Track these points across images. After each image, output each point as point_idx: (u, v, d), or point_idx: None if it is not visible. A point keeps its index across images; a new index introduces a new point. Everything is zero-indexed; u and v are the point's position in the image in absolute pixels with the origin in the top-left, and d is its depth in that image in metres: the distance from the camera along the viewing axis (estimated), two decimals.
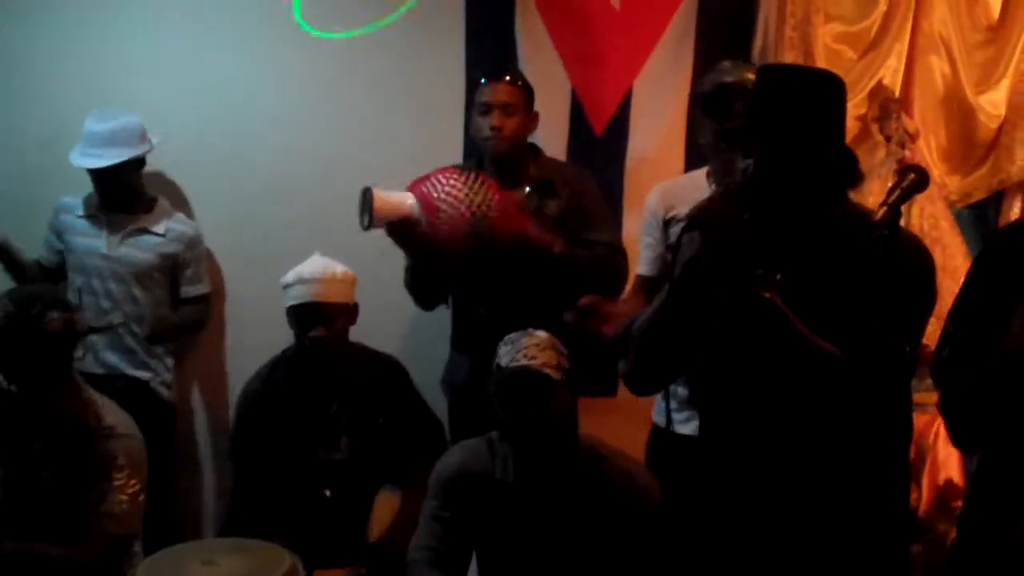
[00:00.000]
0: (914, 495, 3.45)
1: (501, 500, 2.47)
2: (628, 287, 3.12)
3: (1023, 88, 3.86)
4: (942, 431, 3.34)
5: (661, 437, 2.91)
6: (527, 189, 3.06)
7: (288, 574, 2.47)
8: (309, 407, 3.13)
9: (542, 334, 2.44)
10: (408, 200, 2.80)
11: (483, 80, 3.14)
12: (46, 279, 3.53)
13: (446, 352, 3.34)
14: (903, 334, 1.96)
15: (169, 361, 3.63)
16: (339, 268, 3.13)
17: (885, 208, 1.88)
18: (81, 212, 3.54)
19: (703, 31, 3.63)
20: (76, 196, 3.56)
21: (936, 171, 3.85)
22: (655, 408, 3.00)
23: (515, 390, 2.36)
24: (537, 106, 3.18)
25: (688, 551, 2.24)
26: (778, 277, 1.93)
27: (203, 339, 3.80)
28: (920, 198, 3.41)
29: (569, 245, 3.00)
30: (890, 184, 1.97)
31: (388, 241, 2.88)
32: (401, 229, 2.81)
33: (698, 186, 2.77)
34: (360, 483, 3.13)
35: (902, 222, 1.96)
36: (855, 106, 3.75)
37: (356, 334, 3.21)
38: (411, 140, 3.63)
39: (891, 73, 3.83)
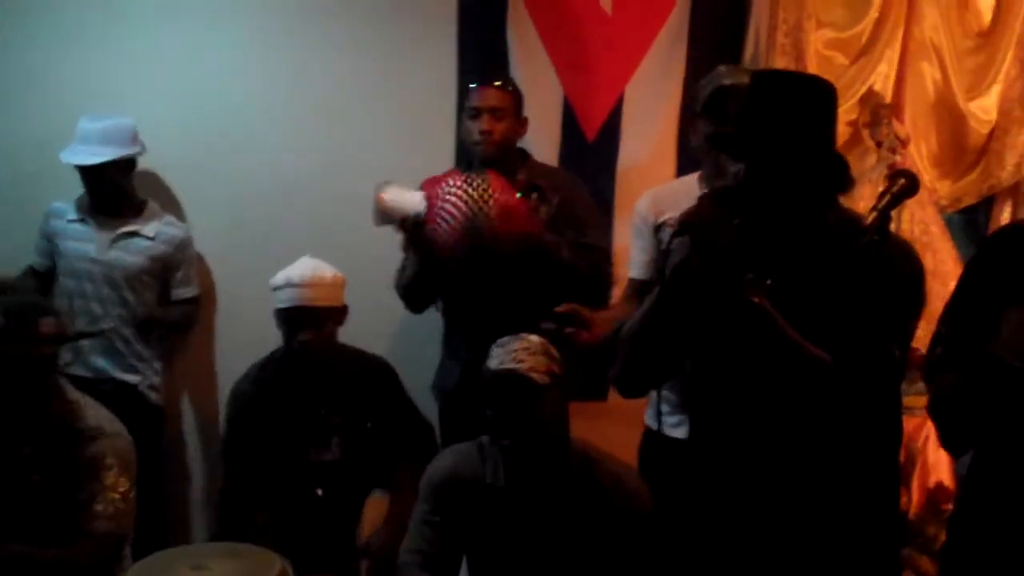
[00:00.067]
0: (904, 498, 3.45)
1: (491, 504, 2.47)
2: (619, 291, 3.13)
3: (1013, 94, 3.88)
4: (932, 434, 3.35)
5: (653, 440, 2.91)
6: (517, 195, 3.06)
7: None
8: (299, 408, 3.12)
9: (535, 339, 2.44)
10: (416, 198, 2.83)
11: (473, 85, 3.15)
12: (39, 284, 3.53)
13: (436, 355, 3.33)
14: (893, 338, 1.97)
15: (157, 365, 3.62)
16: (328, 271, 3.12)
17: (875, 213, 1.89)
18: (72, 216, 3.53)
19: (695, 37, 3.64)
20: (67, 201, 3.55)
21: (927, 176, 3.88)
22: (647, 411, 3.00)
23: (500, 392, 2.37)
24: (529, 112, 3.18)
25: (679, 554, 2.24)
26: (768, 282, 1.94)
27: (192, 341, 3.79)
28: (910, 203, 3.42)
29: (571, 250, 3.01)
30: (880, 189, 1.98)
31: (382, 245, 2.88)
32: (406, 227, 2.84)
33: (689, 191, 2.76)
34: (352, 484, 3.13)
35: (892, 227, 1.97)
36: (846, 112, 3.77)
37: (346, 336, 3.20)
38: (403, 145, 3.63)
39: (882, 79, 3.85)
